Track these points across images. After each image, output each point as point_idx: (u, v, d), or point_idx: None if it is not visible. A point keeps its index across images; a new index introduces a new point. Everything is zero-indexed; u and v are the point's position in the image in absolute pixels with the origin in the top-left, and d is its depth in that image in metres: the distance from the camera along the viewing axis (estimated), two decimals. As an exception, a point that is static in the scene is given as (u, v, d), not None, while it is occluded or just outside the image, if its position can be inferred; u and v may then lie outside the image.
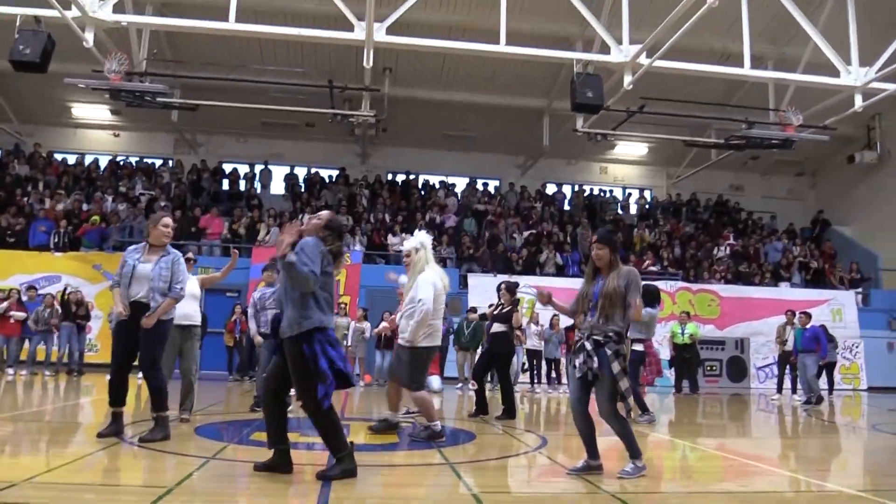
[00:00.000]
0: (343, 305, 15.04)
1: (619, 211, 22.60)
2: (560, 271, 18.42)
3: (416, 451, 6.03)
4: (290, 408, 5.05)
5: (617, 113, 16.33)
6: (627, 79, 13.63)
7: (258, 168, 21.59)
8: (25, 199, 18.00)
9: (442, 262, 16.66)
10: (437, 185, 21.85)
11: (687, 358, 15.18)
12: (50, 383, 12.08)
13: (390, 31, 13.33)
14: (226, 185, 21.00)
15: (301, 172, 21.78)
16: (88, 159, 21.09)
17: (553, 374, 14.99)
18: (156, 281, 5.85)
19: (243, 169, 21.54)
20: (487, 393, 9.60)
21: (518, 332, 14.44)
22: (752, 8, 13.82)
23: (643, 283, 5.31)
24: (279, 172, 21.85)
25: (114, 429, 5.84)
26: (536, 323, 15.10)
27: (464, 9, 16.02)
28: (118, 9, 13.01)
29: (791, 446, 7.83)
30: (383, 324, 8.62)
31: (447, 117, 20.15)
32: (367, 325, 14.68)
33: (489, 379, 9.16)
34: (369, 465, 5.41)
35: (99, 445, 5.46)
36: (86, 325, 14.46)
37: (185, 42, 17.10)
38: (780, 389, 14.25)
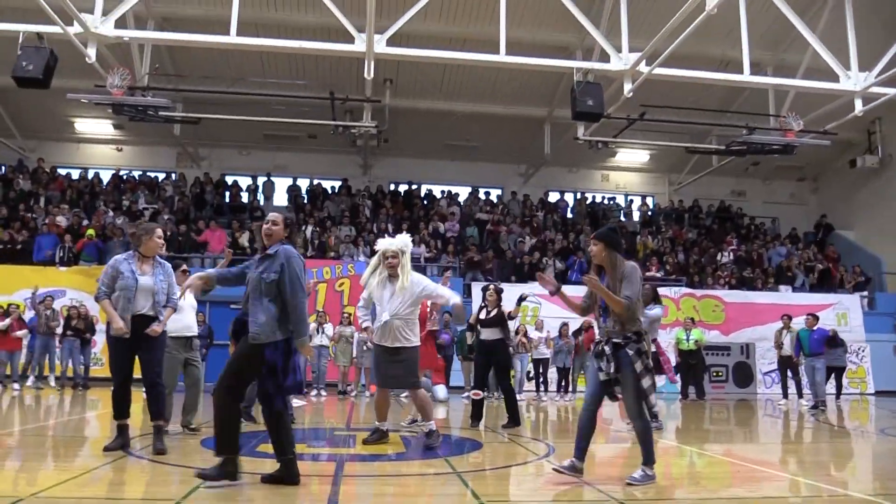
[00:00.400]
0: (347, 315, 15.04)
1: (622, 218, 22.61)
2: (562, 277, 18.39)
3: (423, 460, 6.02)
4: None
5: (618, 121, 16.36)
6: (627, 87, 13.67)
7: (261, 180, 21.63)
8: (30, 213, 18.07)
9: (445, 270, 16.65)
10: (440, 195, 21.88)
11: (693, 364, 15.13)
12: (55, 398, 12.09)
13: (391, 42, 13.39)
14: (229, 197, 21.06)
15: (304, 184, 21.83)
16: (91, 174, 21.15)
17: (563, 382, 14.96)
18: (159, 294, 5.93)
19: (246, 181, 21.58)
20: (493, 402, 9.53)
21: (524, 340, 14.48)
22: (751, 14, 13.84)
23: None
24: (282, 184, 21.90)
25: (120, 442, 5.84)
26: (540, 329, 15.09)
27: (463, 19, 16.10)
28: (120, 24, 13.07)
29: (799, 451, 7.80)
30: (364, 335, 8.30)
31: (448, 127, 20.20)
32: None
33: (486, 388, 9.10)
34: (376, 475, 5.41)
35: (105, 459, 5.46)
36: (90, 339, 14.47)
37: (187, 56, 17.19)
38: (785, 394, 14.20)
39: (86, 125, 21.04)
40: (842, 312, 17.96)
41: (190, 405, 7.25)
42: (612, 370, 4.84)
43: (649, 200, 24.07)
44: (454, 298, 6.97)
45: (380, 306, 6.72)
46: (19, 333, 13.68)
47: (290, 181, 21.87)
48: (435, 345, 10.65)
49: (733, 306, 17.95)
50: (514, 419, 8.59)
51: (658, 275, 18.64)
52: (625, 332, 4.85)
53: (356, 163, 22.49)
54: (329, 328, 14.31)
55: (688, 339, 15.15)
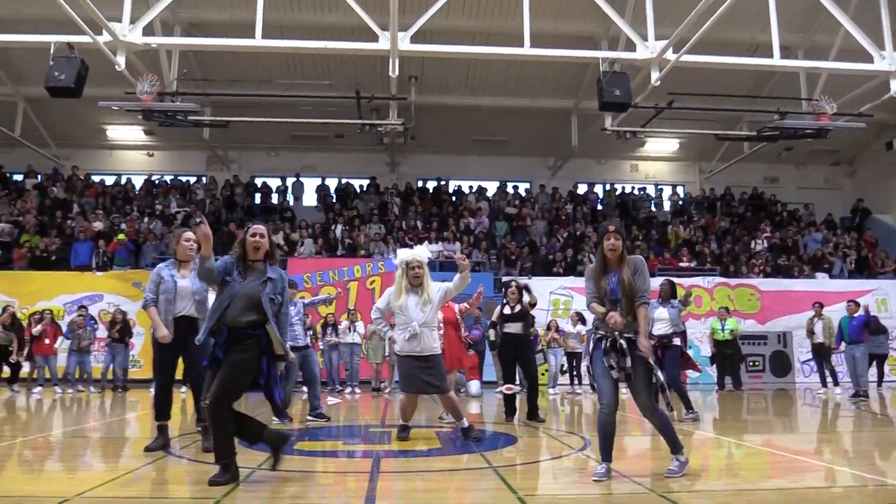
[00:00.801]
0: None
1: (653, 208, 22.37)
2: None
3: (458, 456, 6.03)
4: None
5: (645, 110, 16.18)
6: (655, 75, 13.51)
7: (290, 181, 21.83)
8: (68, 220, 18.45)
9: (476, 266, 16.66)
10: (468, 190, 21.85)
11: (729, 354, 14.94)
12: (96, 400, 12.33)
13: (414, 39, 13.39)
14: (258, 199, 21.29)
15: (332, 183, 21.96)
16: (124, 179, 21.53)
17: None
18: (199, 293, 6.06)
19: (275, 182, 21.79)
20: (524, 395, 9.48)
21: (556, 336, 14.42)
22: (779, -3, 13.62)
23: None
24: (311, 184, 22.08)
25: (160, 442, 5.95)
26: (576, 324, 14.99)
27: (487, 14, 16.04)
28: (147, 31, 13.27)
29: (841, 441, 7.65)
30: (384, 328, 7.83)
31: (475, 122, 20.15)
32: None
33: (519, 382, 9.10)
34: (411, 470, 5.42)
35: (147, 459, 5.56)
36: (128, 341, 14.73)
37: (214, 60, 17.38)
38: (823, 383, 13.95)
39: (117, 132, 21.43)
40: (881, 298, 17.53)
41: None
42: (627, 364, 4.72)
43: (680, 190, 23.78)
44: (460, 279, 6.86)
45: (404, 316, 6.74)
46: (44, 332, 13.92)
47: (318, 181, 22.02)
48: (462, 341, 10.66)
49: (769, 295, 17.65)
50: (532, 412, 8.60)
51: (691, 265, 18.43)
52: (635, 328, 4.73)
53: (384, 161, 22.56)
54: (360, 326, 14.39)
55: (723, 329, 14.95)
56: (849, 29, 13.57)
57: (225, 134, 19.45)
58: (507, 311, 8.90)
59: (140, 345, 15.34)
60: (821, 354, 14.09)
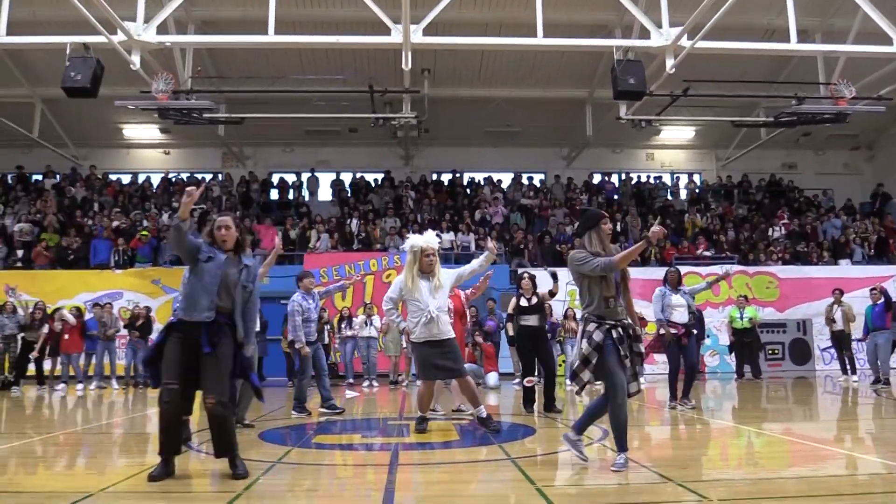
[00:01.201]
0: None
1: (669, 197, 22.22)
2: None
3: (477, 447, 6.05)
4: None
5: (660, 98, 16.02)
6: (669, 62, 13.40)
7: (305, 176, 21.91)
8: (86, 219, 18.65)
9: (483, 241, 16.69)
10: (483, 182, 21.81)
11: (747, 342, 14.85)
12: (118, 396, 12.48)
13: (427, 32, 13.38)
14: (274, 195, 21.40)
15: (347, 178, 22.01)
16: (141, 177, 21.70)
17: None
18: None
19: (290, 178, 21.89)
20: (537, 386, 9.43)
21: (573, 325, 14.36)
22: (795, -20, 13.45)
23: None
24: (326, 179, 22.12)
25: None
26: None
27: (498, 5, 15.96)
28: (161, 30, 13.36)
29: (863, 428, 7.57)
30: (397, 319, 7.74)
31: (489, 114, 20.11)
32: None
33: (538, 374, 9.09)
34: (430, 462, 5.45)
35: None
36: (148, 338, 14.87)
37: (228, 57, 17.46)
38: (844, 370, 13.82)
39: (134, 131, 21.61)
40: (903, 284, 17.34)
41: (244, 401, 7.38)
42: (642, 349, 4.79)
43: (696, 178, 23.55)
44: (480, 262, 7.03)
45: (418, 303, 6.76)
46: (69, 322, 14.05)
47: (333, 176, 22.07)
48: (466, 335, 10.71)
49: (788, 282, 17.50)
50: (549, 403, 8.59)
51: (708, 253, 18.29)
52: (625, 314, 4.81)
53: (398, 154, 22.57)
54: (377, 320, 14.44)
55: (741, 318, 14.86)
56: (867, 11, 13.38)
57: (240, 130, 19.55)
58: (523, 302, 8.88)
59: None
60: (840, 341, 13.96)
